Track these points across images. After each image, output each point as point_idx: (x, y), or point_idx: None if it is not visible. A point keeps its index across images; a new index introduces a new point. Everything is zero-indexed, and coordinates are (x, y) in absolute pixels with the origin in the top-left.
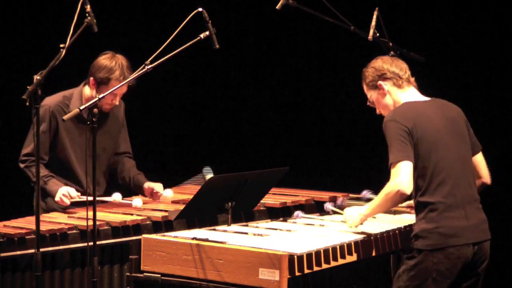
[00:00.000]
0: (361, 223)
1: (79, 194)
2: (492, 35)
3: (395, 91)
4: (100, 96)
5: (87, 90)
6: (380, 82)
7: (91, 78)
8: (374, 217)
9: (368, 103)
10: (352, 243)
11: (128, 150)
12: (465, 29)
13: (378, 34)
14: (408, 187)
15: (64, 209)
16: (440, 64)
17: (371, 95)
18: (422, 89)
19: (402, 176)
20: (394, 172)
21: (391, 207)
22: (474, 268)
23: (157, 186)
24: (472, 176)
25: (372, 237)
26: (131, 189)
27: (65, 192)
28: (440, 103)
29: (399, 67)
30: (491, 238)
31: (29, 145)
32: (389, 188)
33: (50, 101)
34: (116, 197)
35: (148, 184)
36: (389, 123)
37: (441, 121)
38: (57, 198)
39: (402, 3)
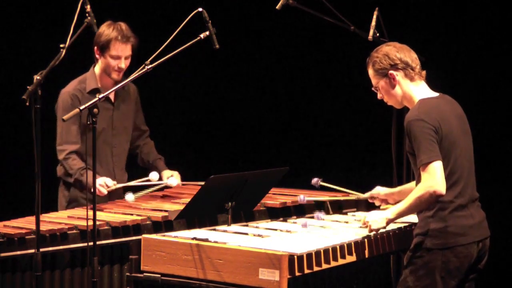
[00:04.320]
0: (385, 228)
1: (115, 182)
2: (492, 35)
3: (407, 83)
4: (101, 96)
5: (98, 68)
6: (391, 71)
7: (95, 48)
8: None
9: (373, 89)
10: (352, 243)
11: (146, 128)
12: (465, 29)
13: (378, 34)
14: (443, 186)
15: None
16: (440, 64)
17: (378, 81)
18: None
19: (436, 177)
20: (427, 173)
21: (424, 209)
22: (477, 264)
23: (175, 175)
24: (474, 175)
25: (372, 237)
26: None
27: (101, 183)
28: (449, 99)
29: (411, 57)
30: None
31: (59, 132)
32: (424, 189)
33: (68, 88)
34: (153, 176)
35: (164, 173)
36: (416, 122)
37: (455, 119)
38: (97, 191)
39: (402, 3)
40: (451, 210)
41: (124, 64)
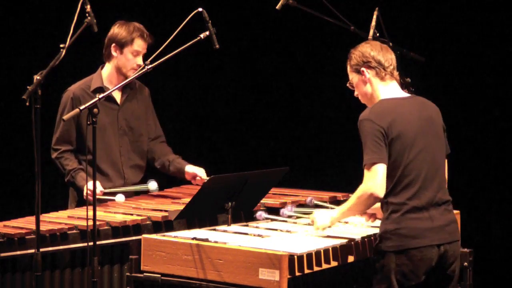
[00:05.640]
0: (330, 226)
1: (102, 190)
2: (492, 35)
3: (376, 82)
4: (101, 96)
5: (105, 71)
6: (363, 68)
7: (113, 45)
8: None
9: (348, 84)
10: (352, 243)
11: (160, 134)
12: (465, 29)
13: (378, 34)
14: (381, 190)
15: (99, 201)
16: (440, 64)
17: (353, 77)
18: (422, 89)
19: (376, 179)
20: (367, 174)
21: (363, 210)
22: (442, 269)
23: (200, 171)
24: (443, 178)
25: (372, 237)
26: (169, 175)
27: (88, 191)
28: (419, 101)
29: (386, 57)
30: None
31: (57, 131)
32: (362, 191)
33: (72, 86)
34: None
35: (190, 168)
36: (364, 122)
37: (418, 120)
38: (84, 195)
39: (402, 3)
40: (404, 212)
41: (141, 61)
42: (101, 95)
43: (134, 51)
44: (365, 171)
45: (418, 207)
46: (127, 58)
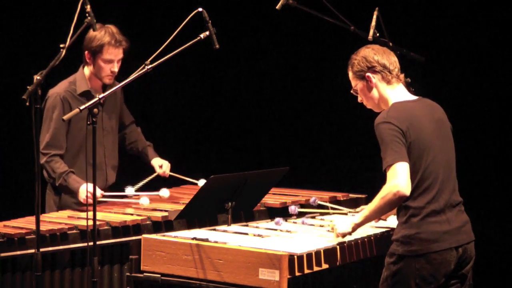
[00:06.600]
0: (351, 233)
1: (102, 192)
2: (492, 35)
3: (383, 86)
4: (101, 96)
5: (87, 70)
6: (368, 74)
7: (86, 52)
8: None
9: (352, 91)
10: (353, 243)
11: (132, 119)
12: (465, 29)
13: (378, 34)
14: (407, 188)
15: (78, 205)
16: (440, 64)
17: (357, 84)
18: (422, 89)
19: (400, 177)
20: (391, 173)
21: (389, 211)
22: (459, 269)
23: (164, 165)
24: (455, 179)
25: (372, 237)
26: (140, 159)
27: (89, 194)
28: (427, 103)
29: (390, 60)
30: (484, 238)
31: (46, 135)
32: (387, 190)
33: (57, 89)
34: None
35: (155, 162)
36: (383, 124)
37: (431, 123)
38: (81, 199)
39: (402, 3)
40: (423, 216)
41: (116, 67)
42: (101, 95)
43: (106, 59)
44: (388, 172)
45: (437, 211)
46: (100, 66)
